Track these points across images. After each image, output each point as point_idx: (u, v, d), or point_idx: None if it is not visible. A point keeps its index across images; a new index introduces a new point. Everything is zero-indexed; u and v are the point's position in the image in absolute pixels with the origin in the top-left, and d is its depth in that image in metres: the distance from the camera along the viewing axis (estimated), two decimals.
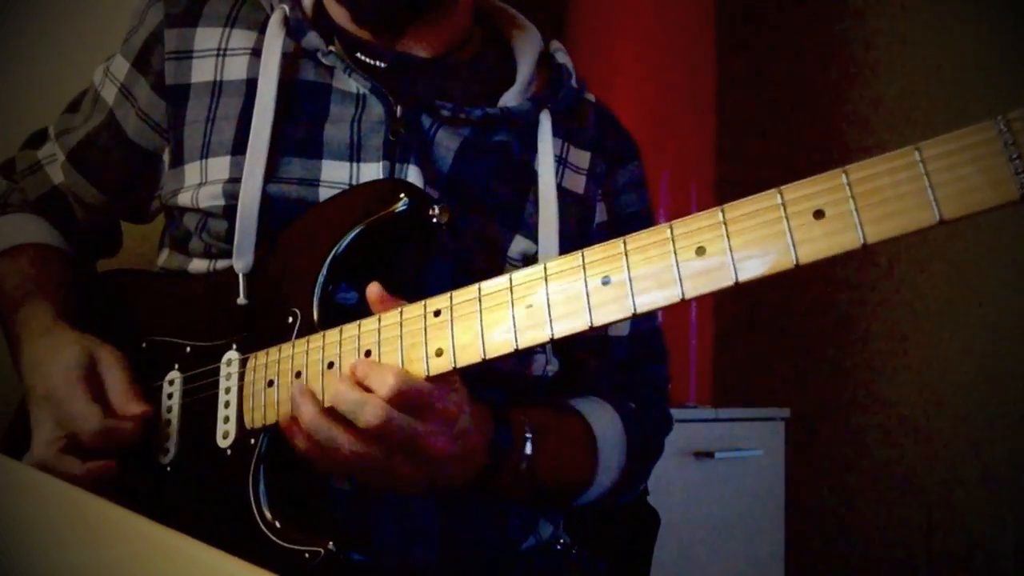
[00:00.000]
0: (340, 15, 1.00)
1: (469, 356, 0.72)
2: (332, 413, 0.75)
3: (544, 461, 0.87)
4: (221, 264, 0.94)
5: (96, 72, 1.06)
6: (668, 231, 0.65)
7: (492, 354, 0.71)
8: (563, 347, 1.01)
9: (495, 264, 0.94)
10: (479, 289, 0.73)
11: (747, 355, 2.86)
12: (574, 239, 0.97)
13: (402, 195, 0.84)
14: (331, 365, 0.79)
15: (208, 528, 0.77)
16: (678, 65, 2.28)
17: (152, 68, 0.99)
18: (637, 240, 0.66)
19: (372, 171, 0.91)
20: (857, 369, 2.67)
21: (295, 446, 0.79)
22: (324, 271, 0.85)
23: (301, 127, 0.93)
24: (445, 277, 0.89)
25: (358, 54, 0.98)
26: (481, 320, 0.72)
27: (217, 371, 0.89)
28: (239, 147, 0.92)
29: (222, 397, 0.87)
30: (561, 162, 1.01)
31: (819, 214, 0.59)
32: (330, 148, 0.92)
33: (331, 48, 0.95)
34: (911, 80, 2.60)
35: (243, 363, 0.87)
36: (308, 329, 0.84)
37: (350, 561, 0.85)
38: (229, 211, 0.91)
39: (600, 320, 0.67)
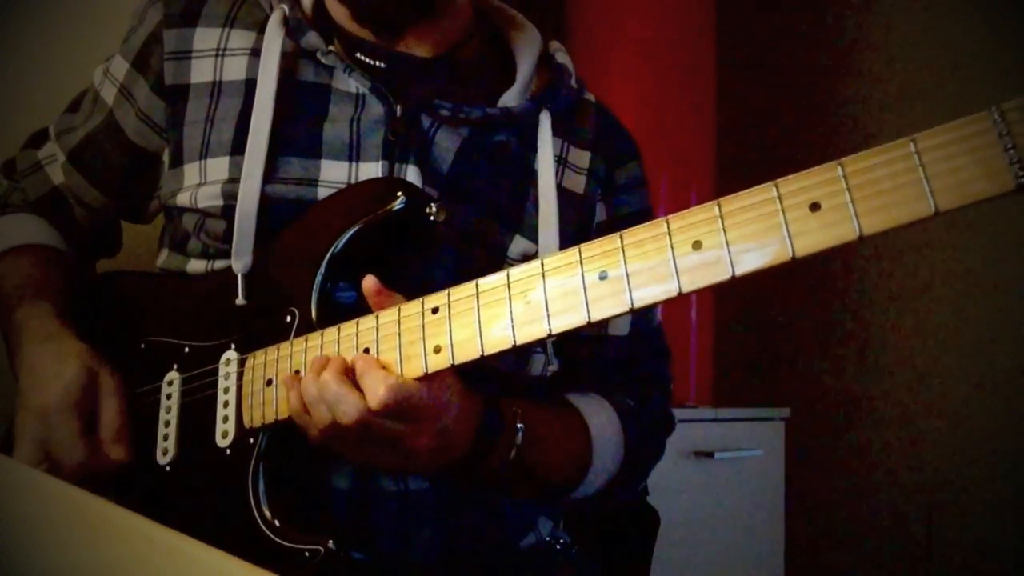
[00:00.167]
0: (340, 14, 1.00)
1: (467, 352, 0.72)
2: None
3: (535, 452, 0.87)
4: (219, 264, 0.94)
5: (96, 72, 1.06)
6: (664, 225, 0.65)
7: (490, 350, 0.71)
8: (564, 346, 1.01)
9: (495, 264, 0.93)
10: (477, 285, 0.73)
11: (747, 355, 2.86)
12: (574, 239, 0.96)
13: (400, 193, 0.84)
14: None
15: (208, 527, 0.77)
16: (678, 65, 2.28)
17: (151, 68, 0.99)
18: (634, 235, 0.66)
19: (371, 171, 0.91)
20: (857, 369, 2.67)
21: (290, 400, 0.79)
22: (322, 270, 0.85)
23: (300, 127, 0.93)
24: (445, 277, 0.89)
25: (358, 54, 0.98)
26: (479, 316, 0.72)
27: (216, 371, 0.89)
28: (238, 147, 0.92)
29: (221, 397, 0.88)
30: (561, 162, 1.01)
31: (815, 206, 0.59)
32: (329, 148, 0.92)
33: (330, 48, 0.95)
34: (911, 81, 2.61)
35: (242, 363, 0.87)
36: (306, 328, 0.84)
37: (349, 559, 0.85)
38: (228, 211, 0.91)
39: (598, 315, 0.67)
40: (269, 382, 0.84)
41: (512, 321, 0.70)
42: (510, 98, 0.99)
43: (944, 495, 2.46)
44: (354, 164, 0.92)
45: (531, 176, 0.98)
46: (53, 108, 1.11)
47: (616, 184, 1.05)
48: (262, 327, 0.87)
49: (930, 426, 2.50)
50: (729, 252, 0.62)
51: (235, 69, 0.96)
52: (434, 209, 0.85)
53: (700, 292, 0.65)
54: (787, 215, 0.60)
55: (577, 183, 1.02)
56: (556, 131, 1.00)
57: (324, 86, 0.95)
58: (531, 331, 0.69)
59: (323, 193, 0.91)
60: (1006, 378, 2.36)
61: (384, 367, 0.75)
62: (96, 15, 1.43)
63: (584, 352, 1.03)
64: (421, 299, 0.76)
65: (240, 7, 0.99)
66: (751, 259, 0.61)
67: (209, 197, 0.92)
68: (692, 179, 2.29)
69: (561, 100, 1.02)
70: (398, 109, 0.93)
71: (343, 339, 0.79)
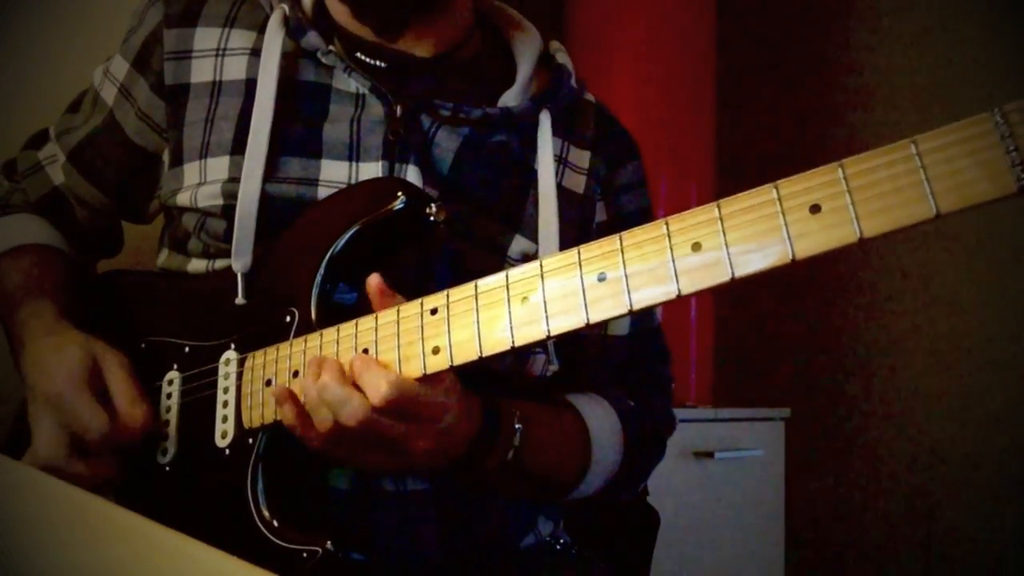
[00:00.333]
0: (341, 13, 1.00)
1: (466, 353, 0.72)
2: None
3: (533, 452, 0.87)
4: (220, 264, 0.94)
5: (96, 72, 1.06)
6: (664, 227, 0.64)
7: (489, 351, 0.71)
8: (564, 347, 1.01)
9: (495, 264, 0.93)
10: (475, 286, 0.73)
11: (747, 355, 2.86)
12: (574, 239, 0.97)
13: (399, 193, 0.84)
14: None
15: (207, 527, 0.77)
16: (678, 65, 2.28)
17: (151, 68, 0.99)
18: (633, 236, 0.66)
19: (371, 171, 0.91)
20: (857, 369, 2.67)
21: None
22: (321, 270, 0.85)
23: (300, 127, 0.93)
24: (445, 277, 0.89)
25: (358, 54, 0.98)
26: (478, 317, 0.72)
27: (215, 371, 0.89)
28: (238, 147, 0.92)
29: (220, 397, 0.88)
30: (561, 162, 1.01)
31: (815, 208, 0.59)
32: (329, 148, 0.92)
33: (331, 48, 0.95)
34: (913, 79, 2.60)
35: (241, 363, 0.87)
36: (306, 328, 0.84)
37: (348, 560, 0.85)
38: (228, 211, 0.91)
39: (596, 316, 0.66)
40: (268, 382, 0.84)
41: (511, 322, 0.70)
42: (510, 98, 0.99)
43: (944, 495, 2.46)
44: (354, 164, 0.92)
45: (531, 176, 0.98)
46: (53, 108, 1.11)
47: (616, 184, 1.05)
48: (262, 327, 0.87)
49: (930, 426, 2.50)
50: (729, 254, 0.61)
51: (235, 69, 0.96)
52: (434, 209, 0.84)
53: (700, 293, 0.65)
54: (787, 217, 0.59)
55: (577, 183, 1.02)
56: (556, 131, 1.00)
57: (324, 86, 0.95)
58: (530, 332, 0.69)
59: (323, 193, 0.91)
60: (1006, 378, 2.36)
61: (383, 366, 0.75)
62: (96, 15, 1.43)
63: (584, 353, 1.03)
64: (420, 300, 0.76)
65: (240, 7, 0.99)
66: (751, 261, 0.61)
67: (209, 197, 0.92)
68: (692, 179, 2.29)
69: (561, 100, 1.02)
70: (398, 109, 0.93)
71: (342, 339, 0.79)
